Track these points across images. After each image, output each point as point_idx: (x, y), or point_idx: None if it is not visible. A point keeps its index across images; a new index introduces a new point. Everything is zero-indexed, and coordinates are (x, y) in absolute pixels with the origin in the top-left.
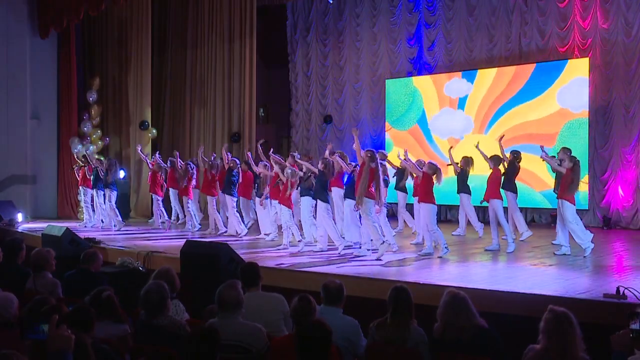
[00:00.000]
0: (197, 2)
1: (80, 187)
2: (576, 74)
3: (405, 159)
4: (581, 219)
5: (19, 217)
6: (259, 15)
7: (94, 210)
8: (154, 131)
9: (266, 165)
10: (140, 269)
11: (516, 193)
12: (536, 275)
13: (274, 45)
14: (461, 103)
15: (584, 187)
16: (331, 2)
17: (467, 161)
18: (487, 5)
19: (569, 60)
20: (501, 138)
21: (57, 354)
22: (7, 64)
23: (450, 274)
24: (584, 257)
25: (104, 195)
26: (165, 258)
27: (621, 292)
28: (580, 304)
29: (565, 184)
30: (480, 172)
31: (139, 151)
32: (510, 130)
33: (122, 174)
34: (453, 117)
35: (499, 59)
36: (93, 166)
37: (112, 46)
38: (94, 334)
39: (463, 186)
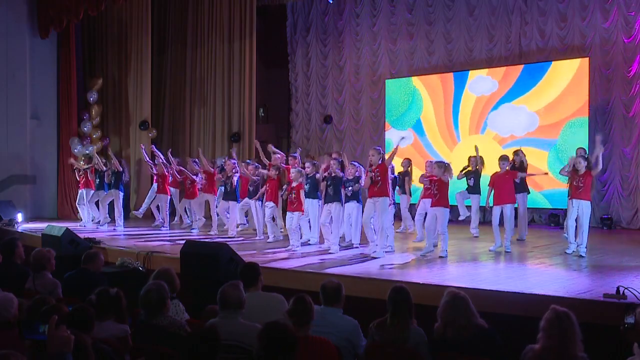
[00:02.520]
0: (197, 2)
1: (83, 190)
2: (576, 74)
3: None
4: None
5: (19, 217)
6: (259, 15)
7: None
8: (154, 131)
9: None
10: (140, 269)
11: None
12: (536, 275)
13: (274, 45)
14: (456, 103)
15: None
16: (331, 1)
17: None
18: (487, 5)
19: (569, 60)
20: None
21: (57, 355)
22: (7, 64)
23: (450, 274)
24: (582, 256)
25: (108, 195)
26: (165, 258)
27: (621, 292)
28: (580, 304)
29: (591, 185)
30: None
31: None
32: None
33: None
34: (517, 114)
35: (498, 58)
36: (102, 169)
37: (112, 46)
38: (94, 334)
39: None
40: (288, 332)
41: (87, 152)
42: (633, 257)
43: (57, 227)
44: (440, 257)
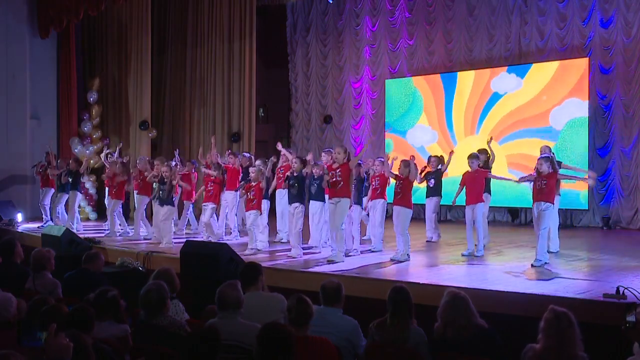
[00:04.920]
0: (197, 2)
1: (43, 188)
2: (576, 74)
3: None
4: (581, 219)
5: (19, 217)
6: (259, 15)
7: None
8: (154, 131)
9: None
10: (140, 269)
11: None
12: (536, 275)
13: (273, 45)
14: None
15: (583, 186)
16: (331, 1)
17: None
18: (487, 5)
19: (569, 60)
20: (491, 140)
21: None
22: (7, 64)
23: (450, 274)
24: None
25: (68, 197)
26: (165, 258)
27: (621, 292)
28: (580, 304)
29: (555, 186)
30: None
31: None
32: (509, 130)
33: None
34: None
35: (498, 58)
36: (63, 170)
37: (112, 46)
38: (94, 334)
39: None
40: (286, 333)
41: (87, 152)
42: (633, 257)
43: (57, 227)
44: (400, 261)
